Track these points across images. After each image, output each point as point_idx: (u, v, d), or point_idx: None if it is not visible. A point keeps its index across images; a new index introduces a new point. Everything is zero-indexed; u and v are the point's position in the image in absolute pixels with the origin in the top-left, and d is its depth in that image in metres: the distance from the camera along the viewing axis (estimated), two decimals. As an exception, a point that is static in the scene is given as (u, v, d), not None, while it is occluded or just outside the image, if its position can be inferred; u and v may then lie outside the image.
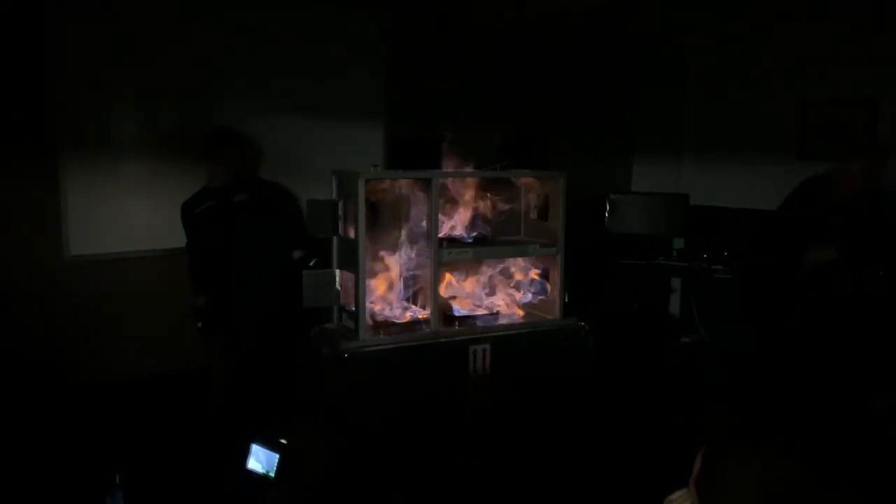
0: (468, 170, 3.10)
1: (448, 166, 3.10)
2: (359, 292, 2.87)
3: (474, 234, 3.16)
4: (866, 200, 3.62)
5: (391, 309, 3.08)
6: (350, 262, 2.92)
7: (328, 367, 2.92)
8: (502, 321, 3.19)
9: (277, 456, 1.78)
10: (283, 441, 1.80)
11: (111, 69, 3.73)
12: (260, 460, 1.80)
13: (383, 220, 3.10)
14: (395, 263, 3.04)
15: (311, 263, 3.55)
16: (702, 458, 1.20)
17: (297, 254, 3.74)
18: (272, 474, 1.77)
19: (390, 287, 3.07)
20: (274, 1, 4.11)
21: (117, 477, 1.63)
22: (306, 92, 4.26)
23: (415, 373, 2.91)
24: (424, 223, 3.00)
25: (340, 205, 2.93)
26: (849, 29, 4.38)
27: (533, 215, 3.35)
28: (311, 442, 1.77)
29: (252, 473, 1.80)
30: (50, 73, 3.62)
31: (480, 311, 3.18)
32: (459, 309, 3.17)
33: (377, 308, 3.05)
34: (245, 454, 1.80)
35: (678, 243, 5.22)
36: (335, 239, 3.03)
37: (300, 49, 4.21)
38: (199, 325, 3.62)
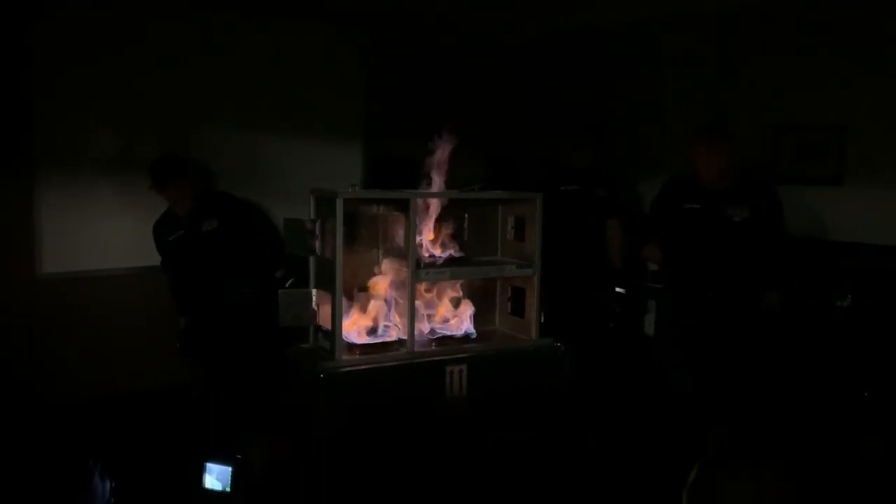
0: (446, 191, 3.11)
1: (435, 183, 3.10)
2: (335, 312, 2.87)
3: (446, 254, 3.16)
4: (726, 186, 3.75)
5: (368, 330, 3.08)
6: (327, 281, 2.92)
7: (304, 387, 2.91)
8: (479, 341, 3.19)
9: (230, 469, 1.77)
10: (238, 456, 1.79)
11: (89, 87, 3.72)
12: (215, 477, 1.78)
13: (361, 238, 3.11)
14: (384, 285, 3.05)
15: (288, 284, 3.55)
16: (698, 471, 1.21)
17: (279, 273, 3.73)
18: (228, 489, 1.76)
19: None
20: (253, 20, 4.12)
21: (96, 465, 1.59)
22: (286, 111, 4.28)
23: (391, 393, 2.90)
24: (402, 243, 3.01)
25: (318, 224, 2.93)
26: (821, 56, 4.48)
27: (510, 236, 3.37)
28: (265, 453, 1.76)
29: (209, 492, 1.78)
30: (28, 89, 3.60)
31: (456, 332, 3.18)
32: (436, 329, 3.17)
33: (353, 330, 3.05)
34: (200, 473, 1.79)
35: (653, 265, 5.27)
36: (312, 258, 3.02)
37: (280, 69, 4.23)
38: (178, 345, 3.61)
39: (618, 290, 4.48)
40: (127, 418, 3.79)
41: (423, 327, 3.15)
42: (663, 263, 4.13)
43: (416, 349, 3.02)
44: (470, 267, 3.20)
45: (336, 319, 2.87)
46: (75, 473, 1.44)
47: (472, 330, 3.20)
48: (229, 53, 4.07)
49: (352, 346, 2.97)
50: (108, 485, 1.54)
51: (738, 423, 3.54)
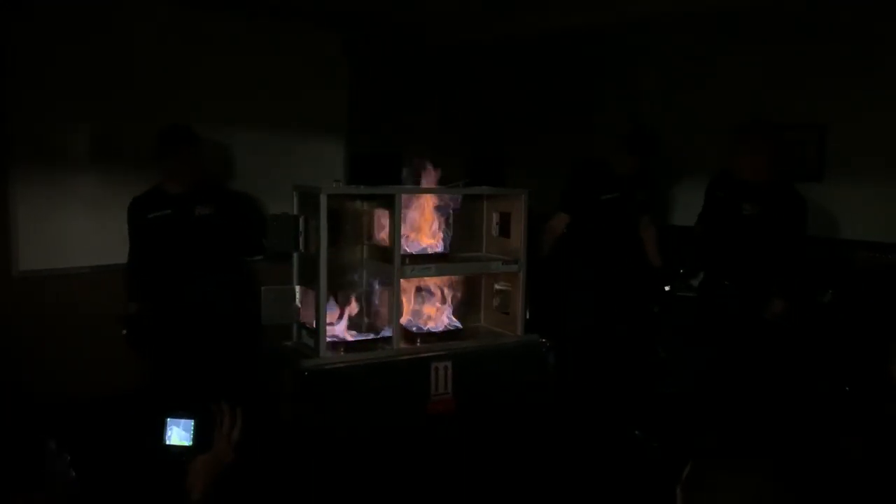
0: (430, 187, 3.10)
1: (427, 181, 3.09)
2: (319, 309, 2.84)
3: (436, 250, 3.14)
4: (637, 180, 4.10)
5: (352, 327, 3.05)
6: (311, 278, 2.89)
7: (287, 385, 2.88)
8: (464, 338, 3.18)
9: (193, 422, 1.75)
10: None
11: (67, 80, 3.65)
12: (177, 433, 1.75)
13: (345, 235, 3.08)
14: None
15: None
16: (690, 470, 1.22)
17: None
18: (190, 443, 1.73)
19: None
20: (236, 16, 4.07)
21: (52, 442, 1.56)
22: (268, 107, 4.23)
23: (376, 391, 2.88)
24: (387, 239, 2.99)
25: (301, 220, 2.90)
26: (800, 55, 4.52)
27: (494, 232, 3.36)
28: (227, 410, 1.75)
29: (171, 448, 1.75)
30: (1, 81, 3.52)
31: (441, 328, 3.17)
32: (421, 326, 3.15)
33: (338, 327, 3.02)
34: (161, 432, 1.76)
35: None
36: (295, 255, 2.99)
37: (262, 65, 4.18)
38: (124, 332, 3.38)
39: (666, 288, 4.44)
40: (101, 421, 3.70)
41: (412, 322, 3.14)
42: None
43: (400, 346, 3.00)
44: (455, 263, 3.19)
45: (320, 316, 2.85)
46: (30, 450, 1.41)
47: (457, 324, 3.19)
48: (211, 49, 4.01)
49: (336, 344, 2.95)
50: (66, 458, 1.51)
51: (728, 420, 3.56)
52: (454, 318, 3.22)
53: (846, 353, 3.88)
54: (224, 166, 4.07)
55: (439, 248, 3.15)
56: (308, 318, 2.96)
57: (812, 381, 3.93)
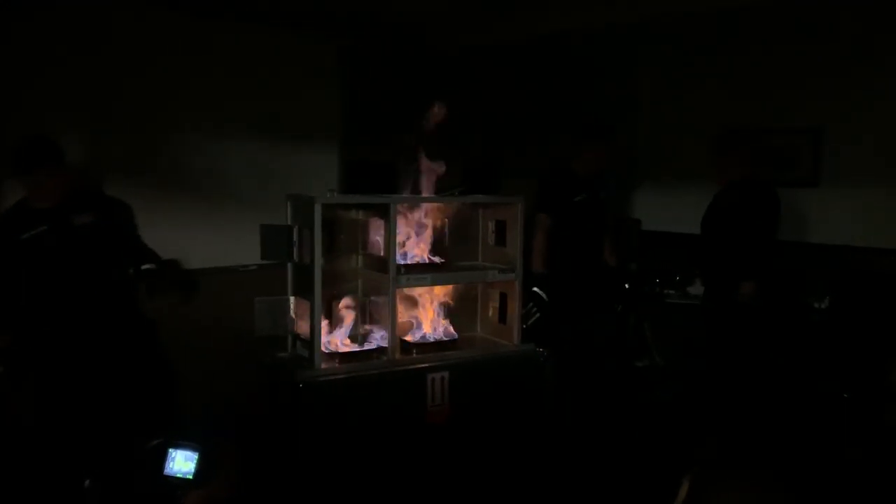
0: (426, 195, 3.07)
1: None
2: (314, 320, 2.80)
3: (431, 259, 3.11)
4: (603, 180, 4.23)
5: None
6: (305, 288, 2.85)
7: (283, 397, 2.84)
8: (460, 348, 3.15)
9: (196, 455, 1.71)
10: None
11: (53, 89, 3.59)
12: (177, 464, 1.72)
13: (340, 245, 3.05)
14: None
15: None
16: (689, 484, 1.20)
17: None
18: (191, 476, 1.70)
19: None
20: (228, 24, 4.04)
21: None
22: (261, 116, 4.19)
23: (372, 402, 2.84)
24: (382, 249, 2.96)
25: (295, 230, 2.87)
26: (795, 59, 4.52)
27: (490, 241, 3.33)
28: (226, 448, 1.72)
29: (170, 479, 1.71)
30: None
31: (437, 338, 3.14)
32: (417, 336, 3.12)
33: (333, 337, 2.98)
34: (161, 461, 1.72)
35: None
36: (289, 265, 2.96)
37: (255, 73, 4.14)
38: (2, 369, 2.99)
39: (626, 286, 4.60)
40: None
41: (409, 332, 3.11)
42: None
43: (396, 356, 2.96)
44: (451, 272, 3.16)
45: (315, 327, 2.81)
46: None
47: (453, 334, 3.16)
48: (203, 56, 3.97)
49: (331, 355, 2.91)
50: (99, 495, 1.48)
51: (726, 428, 3.54)
52: (450, 328, 3.18)
53: (844, 360, 3.87)
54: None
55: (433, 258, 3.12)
56: (303, 329, 2.92)
57: (811, 387, 3.91)
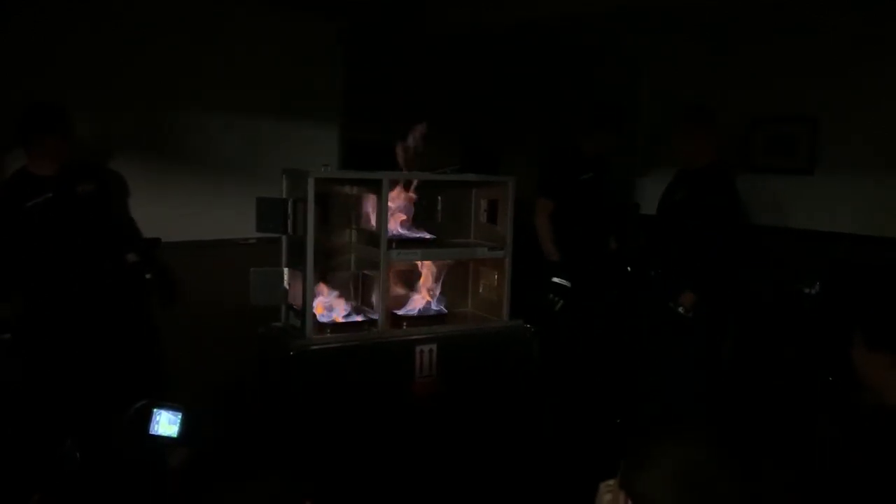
0: (418, 172, 3.14)
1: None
2: (306, 291, 2.89)
3: (417, 234, 3.18)
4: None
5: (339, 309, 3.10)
6: (298, 260, 2.94)
7: (274, 365, 2.93)
8: (450, 322, 3.22)
9: (181, 414, 1.80)
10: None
11: (60, 65, 3.66)
12: (163, 423, 1.81)
13: (334, 219, 3.13)
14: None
15: (147, 276, 3.32)
16: (629, 445, 1.26)
17: (131, 257, 3.41)
18: (175, 436, 1.79)
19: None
20: (231, 3, 4.10)
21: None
22: (263, 94, 4.26)
23: (361, 372, 2.93)
24: (374, 224, 3.03)
25: (290, 204, 2.94)
26: (793, 49, 4.54)
27: (482, 219, 3.40)
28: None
29: (156, 438, 1.81)
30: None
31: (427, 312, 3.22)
32: (407, 309, 3.20)
33: (326, 309, 3.07)
34: (146, 420, 1.81)
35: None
36: (284, 238, 3.04)
37: (258, 51, 4.21)
38: (8, 336, 3.02)
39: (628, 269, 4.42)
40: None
41: (399, 306, 3.19)
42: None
43: (386, 328, 3.04)
44: (441, 248, 3.23)
45: (307, 298, 2.89)
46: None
47: (442, 308, 3.23)
48: (206, 34, 4.04)
49: (323, 326, 3.00)
50: (76, 456, 1.57)
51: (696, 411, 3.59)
52: (440, 303, 3.26)
53: (832, 343, 3.91)
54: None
55: (428, 234, 3.20)
56: (296, 299, 3.01)
57: (798, 369, 3.97)
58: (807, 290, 4.36)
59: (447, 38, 4.77)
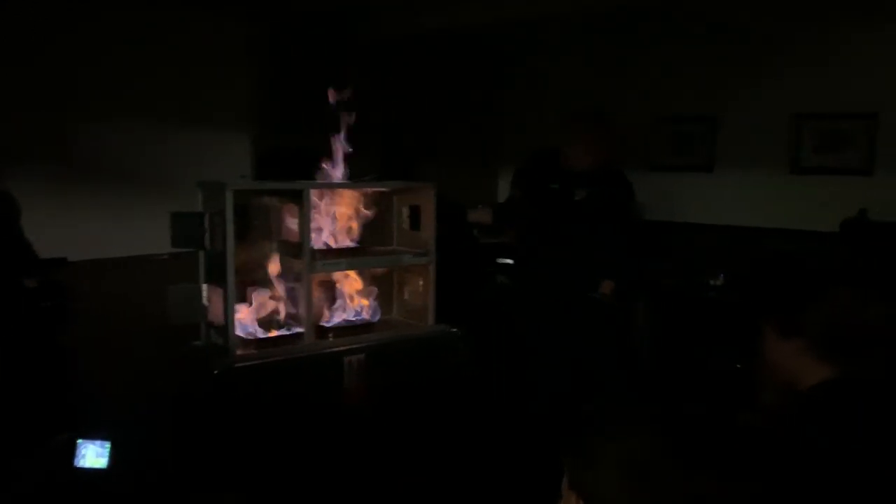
0: (339, 181, 3.11)
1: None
2: (228, 307, 2.80)
3: (346, 244, 3.15)
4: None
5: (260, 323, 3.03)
6: (218, 276, 2.84)
7: (198, 385, 2.83)
8: (376, 330, 3.21)
9: (108, 446, 1.71)
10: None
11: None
12: (89, 456, 1.72)
13: (254, 231, 3.05)
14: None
15: (49, 305, 3.18)
16: (571, 436, 1.27)
17: (29, 283, 3.27)
18: (105, 466, 1.70)
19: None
20: (136, 7, 3.93)
21: None
22: (171, 103, 4.10)
23: (289, 387, 2.87)
24: (296, 235, 2.98)
25: (207, 217, 2.85)
26: (694, 50, 4.77)
27: (405, 225, 3.40)
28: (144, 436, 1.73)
29: (83, 471, 1.71)
30: None
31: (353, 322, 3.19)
32: (333, 320, 3.16)
33: (248, 325, 2.99)
34: (71, 453, 1.71)
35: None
36: (201, 253, 2.94)
37: (165, 58, 4.05)
38: None
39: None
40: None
41: (323, 318, 3.14)
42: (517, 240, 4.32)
43: (312, 341, 2.99)
44: (366, 257, 3.21)
45: (228, 314, 2.81)
46: None
47: (370, 317, 3.21)
48: (110, 42, 3.86)
49: (247, 342, 2.92)
50: None
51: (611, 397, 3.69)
52: (366, 312, 3.24)
53: (738, 332, 4.13)
54: (124, 164, 3.85)
55: (351, 243, 3.17)
56: (217, 316, 2.91)
57: (704, 357, 4.16)
58: (711, 282, 4.59)
59: (364, 43, 4.74)
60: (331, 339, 3.08)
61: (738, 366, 3.97)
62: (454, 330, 3.33)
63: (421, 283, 3.33)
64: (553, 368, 3.96)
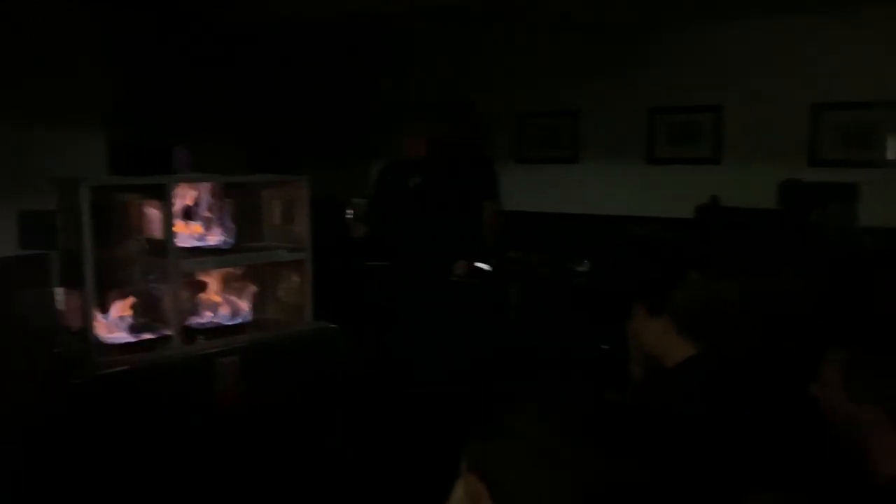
0: (205, 174, 2.98)
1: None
2: (87, 312, 2.62)
3: (214, 241, 3.02)
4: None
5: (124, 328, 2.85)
6: (75, 278, 2.65)
7: (57, 398, 2.62)
8: (250, 331, 3.10)
9: None
10: None
11: None
12: None
13: (114, 230, 2.86)
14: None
15: None
16: (477, 425, 1.28)
17: None
18: None
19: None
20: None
21: None
22: (18, 95, 3.75)
23: (158, 393, 2.72)
24: (160, 233, 2.82)
25: (60, 216, 2.64)
26: (558, 48, 4.94)
27: (277, 220, 3.30)
28: None
29: None
30: None
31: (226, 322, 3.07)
32: (204, 321, 3.03)
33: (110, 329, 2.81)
34: None
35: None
36: (56, 255, 2.73)
37: (13, 46, 3.70)
38: None
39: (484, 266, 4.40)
40: None
41: (194, 319, 3.01)
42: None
43: (181, 344, 2.86)
44: (237, 254, 3.09)
45: (87, 320, 2.62)
46: None
47: (245, 317, 3.11)
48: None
49: (109, 348, 2.74)
50: None
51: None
52: (239, 312, 3.13)
53: (603, 316, 4.33)
54: None
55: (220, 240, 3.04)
56: (74, 322, 2.71)
57: (572, 340, 4.33)
58: (578, 269, 4.78)
59: (224, 35, 4.56)
60: (201, 342, 2.95)
61: (605, 347, 4.17)
62: (333, 326, 3.28)
63: (297, 279, 3.26)
64: (426, 352, 4.03)
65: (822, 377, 1.51)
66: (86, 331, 2.63)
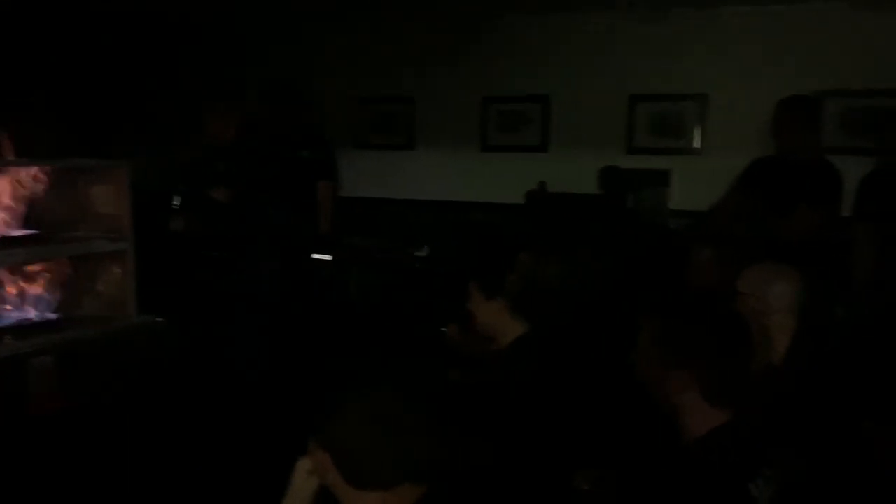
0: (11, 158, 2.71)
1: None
2: None
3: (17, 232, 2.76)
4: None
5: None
6: None
7: None
8: (67, 329, 2.87)
9: None
10: None
11: None
12: None
13: None
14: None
15: None
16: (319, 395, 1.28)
17: None
18: None
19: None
20: None
21: None
22: None
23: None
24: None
25: None
26: (394, 36, 4.96)
27: (98, 209, 3.06)
28: None
29: None
30: None
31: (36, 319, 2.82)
32: (10, 319, 2.76)
33: None
34: None
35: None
36: None
37: None
38: None
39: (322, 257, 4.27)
40: None
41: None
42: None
43: (-14, 345, 2.59)
44: (48, 246, 2.84)
45: None
46: None
47: (59, 313, 2.87)
48: None
49: None
50: None
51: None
52: (51, 308, 2.88)
53: (442, 297, 4.43)
54: None
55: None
56: None
57: (414, 321, 4.40)
58: (417, 253, 4.86)
59: (47, 19, 4.17)
60: (8, 342, 2.68)
61: (443, 329, 4.27)
62: (159, 320, 3.11)
63: (118, 271, 3.04)
64: (260, 343, 3.93)
65: (638, 345, 1.61)
66: None
